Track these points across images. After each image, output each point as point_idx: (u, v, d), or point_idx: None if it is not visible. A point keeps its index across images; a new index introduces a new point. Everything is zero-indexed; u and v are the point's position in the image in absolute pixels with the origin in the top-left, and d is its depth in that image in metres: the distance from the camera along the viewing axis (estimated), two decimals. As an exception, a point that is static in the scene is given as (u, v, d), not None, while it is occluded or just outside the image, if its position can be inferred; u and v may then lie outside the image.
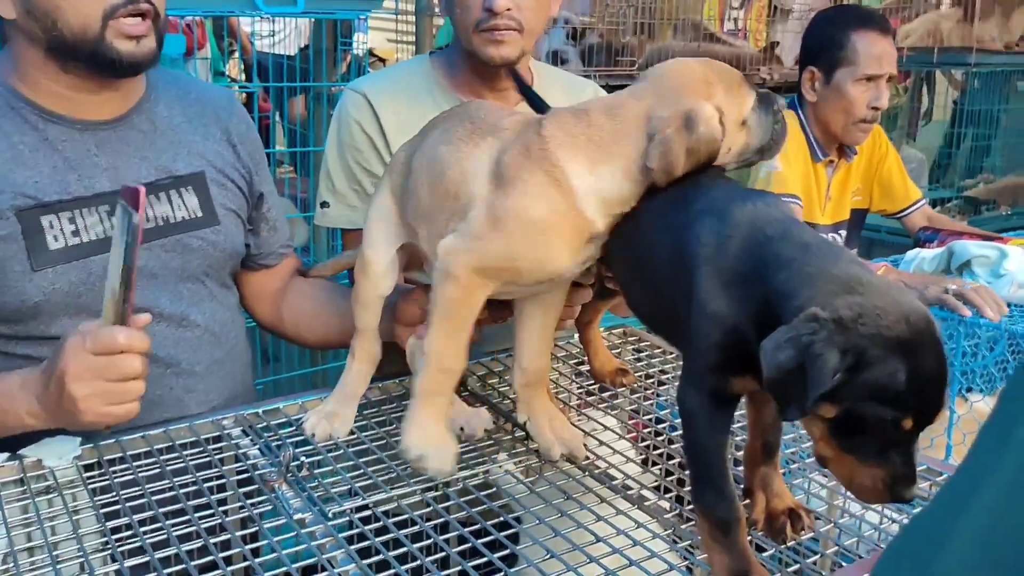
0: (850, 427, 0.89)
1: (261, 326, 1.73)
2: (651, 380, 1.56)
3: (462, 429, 1.32)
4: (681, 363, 1.49)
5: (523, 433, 1.31)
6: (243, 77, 4.76)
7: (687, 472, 1.25)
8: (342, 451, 1.27)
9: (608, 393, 1.50)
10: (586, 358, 1.53)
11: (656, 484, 1.28)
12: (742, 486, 1.15)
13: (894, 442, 0.88)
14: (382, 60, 5.72)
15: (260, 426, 1.35)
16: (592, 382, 1.53)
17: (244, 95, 3.92)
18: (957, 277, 2.18)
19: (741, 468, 1.16)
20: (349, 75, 3.35)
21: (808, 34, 2.66)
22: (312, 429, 1.31)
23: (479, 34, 1.61)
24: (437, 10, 2.95)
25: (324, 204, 1.76)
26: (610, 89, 3.48)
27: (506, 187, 1.11)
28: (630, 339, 1.73)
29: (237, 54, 4.87)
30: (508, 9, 1.58)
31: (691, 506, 1.16)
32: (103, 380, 1.16)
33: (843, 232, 2.73)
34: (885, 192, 2.81)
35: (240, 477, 1.21)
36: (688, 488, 1.20)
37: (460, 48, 1.70)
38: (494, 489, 1.21)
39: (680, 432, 1.32)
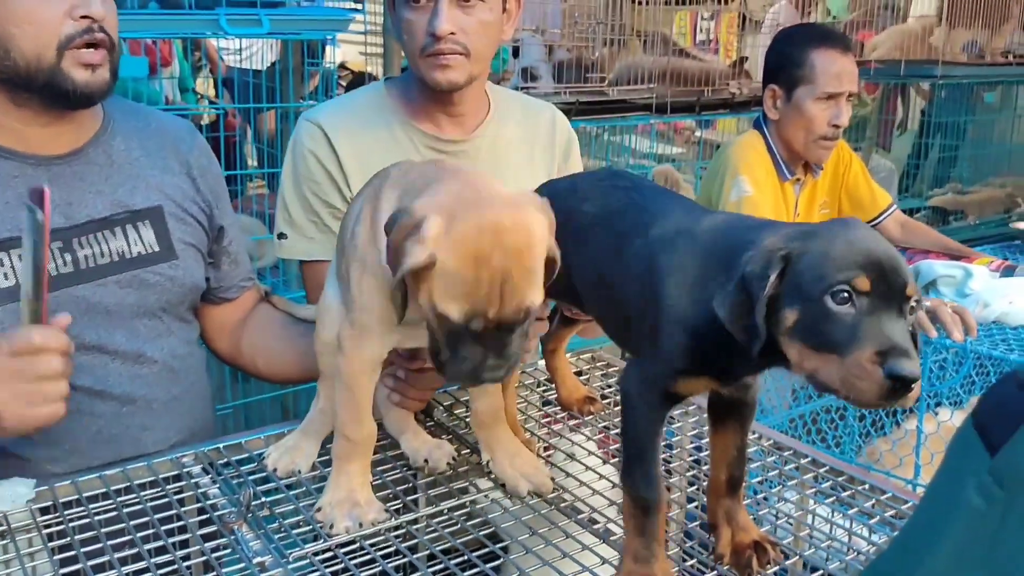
0: (818, 321, 0.88)
1: (220, 358, 1.70)
2: (619, 407, 1.55)
3: (426, 461, 1.30)
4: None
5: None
6: (213, 93, 4.74)
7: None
8: (304, 487, 1.25)
9: (576, 421, 1.49)
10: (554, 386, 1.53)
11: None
12: (707, 520, 1.15)
13: (866, 315, 0.86)
14: (354, 72, 5.70)
15: (221, 463, 1.33)
16: (560, 410, 1.52)
17: (214, 114, 3.90)
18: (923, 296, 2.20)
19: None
20: (317, 93, 3.33)
21: (769, 52, 2.68)
22: (274, 464, 1.30)
23: (425, 59, 1.60)
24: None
25: (281, 235, 1.73)
26: (581, 106, 3.50)
27: (352, 253, 1.14)
28: (599, 364, 1.72)
29: (206, 70, 4.85)
30: (452, 33, 1.57)
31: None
32: (21, 382, 1.14)
33: None
34: (853, 202, 2.82)
35: (200, 518, 1.19)
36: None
37: (414, 74, 1.69)
38: (459, 526, 1.20)
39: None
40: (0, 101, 1.35)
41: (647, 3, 3.97)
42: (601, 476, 1.33)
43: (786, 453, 1.39)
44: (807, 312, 0.88)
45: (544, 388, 1.60)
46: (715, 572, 1.09)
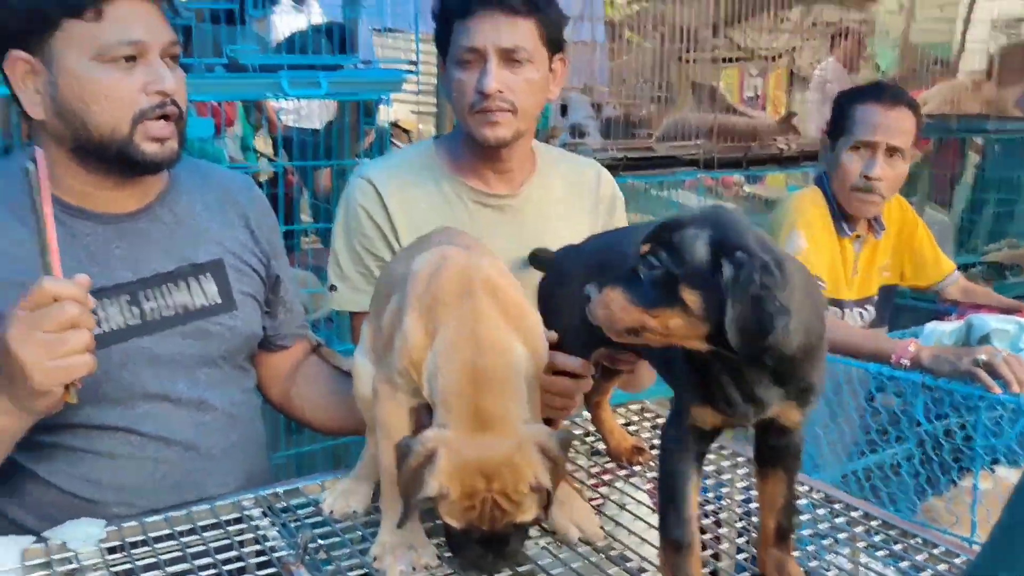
0: None
1: (272, 405, 1.75)
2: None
3: None
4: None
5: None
6: (271, 151, 4.90)
7: (708, 552, 1.26)
8: (359, 532, 1.29)
9: (625, 472, 1.51)
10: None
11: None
12: (757, 570, 1.16)
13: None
14: (406, 131, 5.85)
15: (280, 506, 1.37)
16: (609, 460, 1.53)
17: (272, 171, 4.03)
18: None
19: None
20: (372, 151, 3.44)
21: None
22: (331, 507, 1.33)
23: (474, 115, 1.68)
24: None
25: (333, 287, 1.80)
26: (629, 162, 3.55)
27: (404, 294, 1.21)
28: (647, 415, 1.73)
29: (265, 129, 5.03)
30: (500, 91, 1.65)
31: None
32: (41, 332, 1.15)
33: (870, 307, 2.70)
34: (916, 266, 2.76)
35: (260, 559, 1.23)
36: (708, 569, 1.21)
37: (463, 131, 1.76)
38: (509, 571, 1.21)
39: (707, 508, 1.37)
40: (73, 166, 1.42)
41: (694, 61, 4.04)
42: (650, 525, 1.34)
43: (837, 506, 1.39)
44: None
45: (593, 439, 1.62)
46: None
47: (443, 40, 1.73)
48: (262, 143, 4.99)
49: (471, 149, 1.76)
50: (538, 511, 1.12)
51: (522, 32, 1.65)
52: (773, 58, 5.15)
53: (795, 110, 4.69)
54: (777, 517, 1.12)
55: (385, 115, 3.71)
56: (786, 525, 1.12)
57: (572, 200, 1.86)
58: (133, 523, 1.28)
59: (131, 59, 1.37)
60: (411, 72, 3.04)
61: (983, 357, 2.01)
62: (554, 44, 1.72)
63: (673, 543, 1.07)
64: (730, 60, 5.42)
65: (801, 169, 4.30)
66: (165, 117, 1.40)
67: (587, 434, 1.64)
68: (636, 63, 4.18)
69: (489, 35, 1.64)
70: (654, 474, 1.50)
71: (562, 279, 1.43)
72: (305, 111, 4.54)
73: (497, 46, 1.64)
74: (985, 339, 2.19)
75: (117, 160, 1.40)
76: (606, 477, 1.51)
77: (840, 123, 2.54)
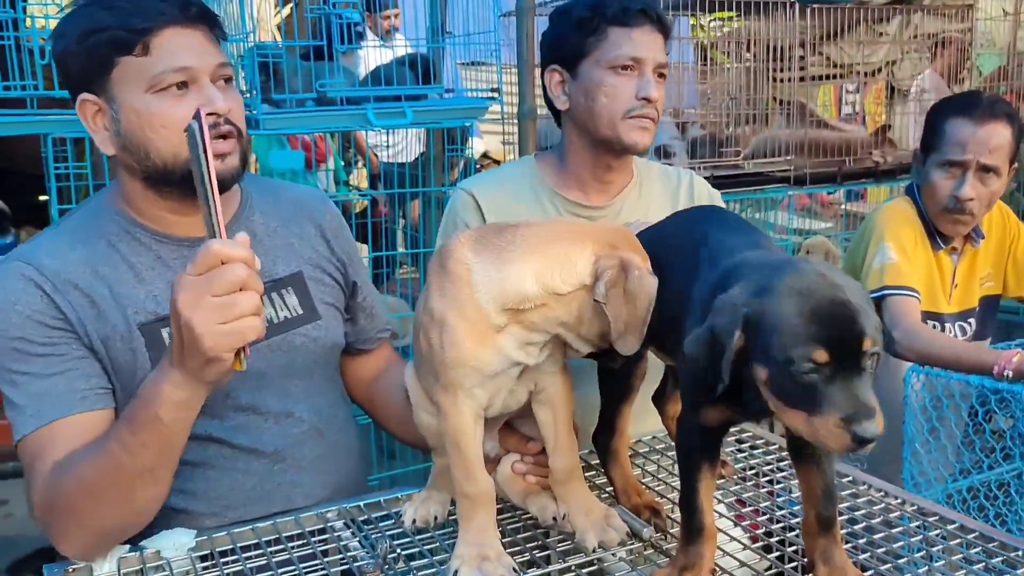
0: (786, 383, 0.96)
1: (356, 405, 1.79)
2: (752, 472, 1.53)
3: (555, 520, 1.33)
4: (783, 456, 1.48)
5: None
6: (364, 184, 5.05)
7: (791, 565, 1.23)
8: (438, 543, 1.30)
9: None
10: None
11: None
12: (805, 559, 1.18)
13: (830, 382, 0.94)
14: (496, 161, 5.95)
15: (362, 519, 1.40)
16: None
17: (365, 201, 4.16)
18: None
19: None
20: (459, 179, 3.50)
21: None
22: (412, 516, 1.36)
23: (627, 120, 1.73)
24: (540, 111, 3.05)
25: None
26: (716, 181, 3.50)
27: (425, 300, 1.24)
28: (731, 431, 1.70)
29: (362, 164, 5.18)
30: (656, 99, 1.72)
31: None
32: (211, 296, 1.12)
33: (972, 320, 2.58)
34: (1020, 276, 2.64)
35: (342, 568, 1.26)
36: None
37: (575, 143, 1.81)
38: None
39: (793, 521, 1.34)
40: (150, 195, 1.49)
41: (782, 80, 3.97)
42: (732, 538, 1.31)
43: (931, 519, 1.33)
44: (776, 373, 0.97)
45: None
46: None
47: (584, 43, 1.74)
48: (355, 178, 5.14)
49: (585, 159, 1.81)
50: None
51: (665, 50, 1.77)
52: (870, 73, 5.01)
53: (890, 122, 4.55)
54: (816, 506, 1.13)
55: (470, 146, 3.78)
56: (827, 514, 1.13)
57: (669, 206, 1.89)
58: (222, 533, 1.33)
59: (183, 86, 1.41)
60: (493, 99, 3.10)
61: None
62: None
63: (685, 528, 1.15)
64: (824, 77, 5.29)
65: (899, 182, 4.16)
66: (222, 137, 1.44)
67: (668, 448, 1.62)
68: (724, 80, 4.13)
69: (652, 48, 1.74)
70: (735, 487, 1.47)
71: None
72: (400, 146, 4.67)
73: (656, 60, 1.73)
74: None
75: (184, 183, 1.44)
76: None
77: (931, 138, 2.47)
